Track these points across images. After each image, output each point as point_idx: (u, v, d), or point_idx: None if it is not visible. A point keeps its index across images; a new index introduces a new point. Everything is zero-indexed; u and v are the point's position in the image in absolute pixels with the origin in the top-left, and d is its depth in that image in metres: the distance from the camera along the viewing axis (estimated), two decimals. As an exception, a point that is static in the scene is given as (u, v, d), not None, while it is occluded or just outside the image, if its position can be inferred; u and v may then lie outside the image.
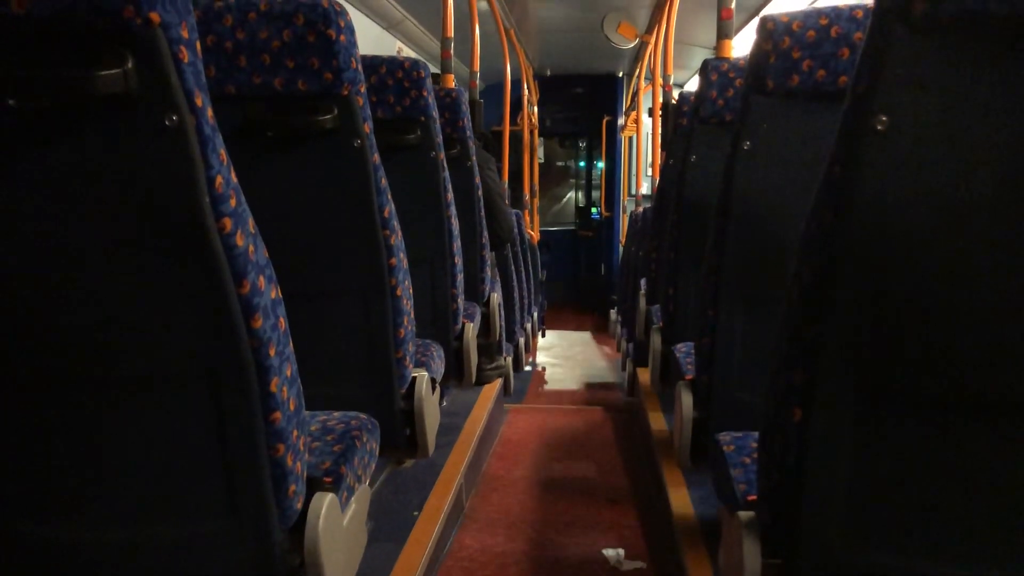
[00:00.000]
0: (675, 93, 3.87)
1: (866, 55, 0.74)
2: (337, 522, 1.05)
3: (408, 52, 5.41)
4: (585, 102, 8.63)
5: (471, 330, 2.24)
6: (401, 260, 1.48)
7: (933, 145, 0.74)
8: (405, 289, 1.50)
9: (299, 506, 0.99)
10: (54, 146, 0.78)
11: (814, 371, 0.84)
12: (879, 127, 0.74)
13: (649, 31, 5.78)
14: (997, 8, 0.69)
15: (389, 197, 1.42)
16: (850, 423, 0.85)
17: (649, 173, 7.24)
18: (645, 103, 6.48)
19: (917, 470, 0.86)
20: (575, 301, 8.87)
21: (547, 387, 4.93)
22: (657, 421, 2.62)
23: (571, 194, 9.38)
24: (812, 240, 0.82)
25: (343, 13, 1.26)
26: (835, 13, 1.27)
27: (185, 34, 0.77)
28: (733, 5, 2.42)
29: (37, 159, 0.79)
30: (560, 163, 9.31)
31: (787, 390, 0.87)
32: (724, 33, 2.42)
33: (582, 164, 9.21)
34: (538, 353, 6.05)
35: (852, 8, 1.27)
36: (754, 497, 1.04)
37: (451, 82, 3.13)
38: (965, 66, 0.71)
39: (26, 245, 0.82)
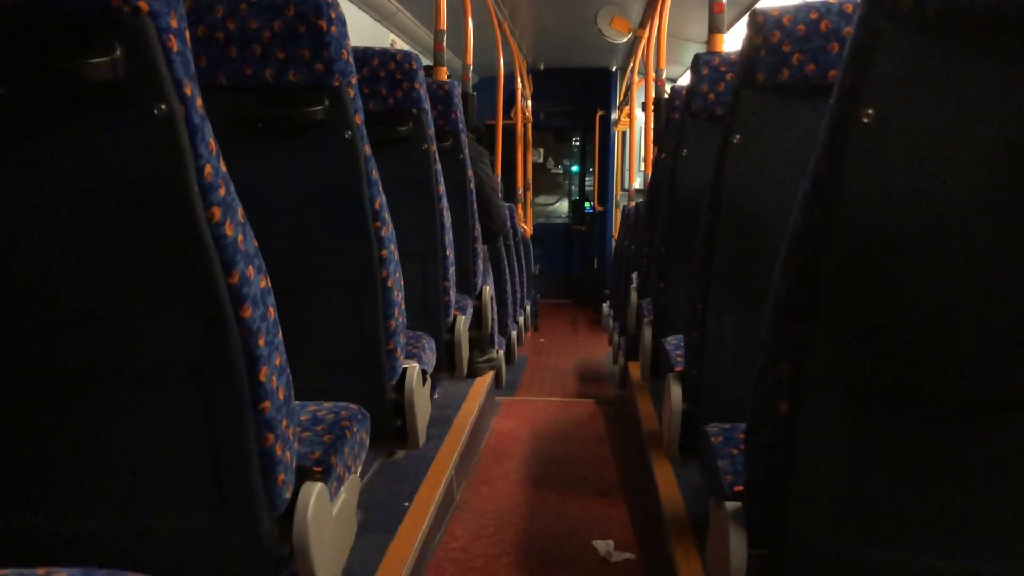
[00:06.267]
0: (668, 87, 3.88)
1: (853, 50, 0.74)
2: (326, 511, 1.06)
3: (401, 44, 5.40)
4: (579, 96, 8.62)
5: (463, 322, 2.24)
6: (392, 252, 1.48)
7: (920, 140, 0.74)
8: (396, 281, 1.50)
9: (288, 495, 0.99)
10: (42, 135, 0.78)
11: (801, 365, 0.85)
12: (866, 121, 0.74)
13: (642, 25, 5.78)
14: (983, 4, 0.69)
15: (380, 189, 1.42)
16: (836, 416, 0.85)
17: (642, 168, 7.26)
18: (638, 97, 6.48)
19: (901, 463, 0.87)
20: (568, 295, 8.88)
21: (539, 380, 4.94)
22: (647, 414, 2.63)
23: (564, 187, 9.37)
24: (800, 234, 0.82)
25: (334, 4, 1.26)
26: (825, 7, 1.28)
27: (174, 23, 0.77)
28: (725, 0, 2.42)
29: (24, 148, 0.78)
30: (551, 163, 9.20)
31: (774, 383, 0.88)
32: (716, 27, 2.42)
33: (574, 169, 9.18)
34: (529, 345, 6.06)
35: (842, 3, 1.27)
36: (741, 488, 1.05)
37: (444, 75, 3.12)
38: (952, 61, 0.72)
39: (11, 235, 0.82)
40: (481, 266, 2.63)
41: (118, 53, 0.74)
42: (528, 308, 5.50)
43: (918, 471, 0.87)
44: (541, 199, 9.02)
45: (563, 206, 9.24)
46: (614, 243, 6.82)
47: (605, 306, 6.62)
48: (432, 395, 1.88)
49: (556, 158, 9.23)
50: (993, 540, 0.88)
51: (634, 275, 3.25)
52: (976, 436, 0.85)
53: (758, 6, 1.31)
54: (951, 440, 0.86)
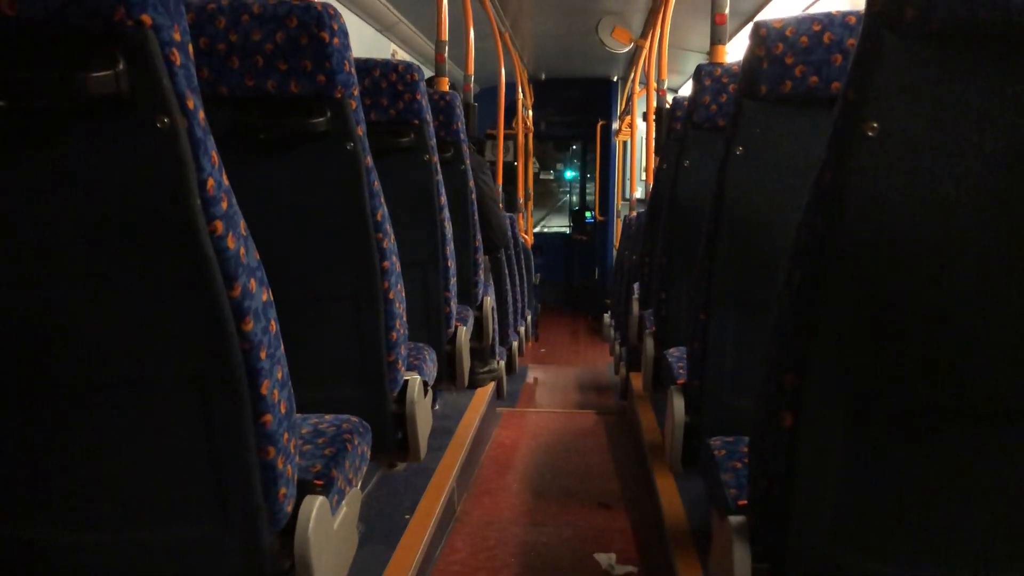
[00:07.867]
0: (669, 97, 3.89)
1: (857, 62, 0.74)
2: (327, 525, 1.05)
3: (403, 55, 5.42)
4: (580, 106, 8.64)
5: (464, 333, 2.24)
6: (394, 263, 1.48)
7: (924, 151, 0.74)
8: (398, 292, 1.50)
9: (289, 509, 0.98)
10: (45, 148, 0.78)
11: (804, 377, 0.84)
12: (870, 133, 0.74)
13: (643, 36, 5.79)
14: (987, 15, 0.69)
15: (382, 200, 1.42)
16: (840, 429, 0.85)
17: (643, 177, 7.26)
18: (639, 107, 6.50)
19: (906, 476, 0.87)
20: (568, 305, 8.88)
21: (540, 391, 4.93)
22: (649, 425, 2.63)
23: (565, 198, 9.37)
24: (803, 245, 0.82)
25: (336, 15, 1.26)
26: (828, 19, 1.28)
27: (177, 36, 0.77)
28: (727, 10, 2.43)
29: (28, 161, 0.78)
30: (549, 173, 9.01)
31: (777, 395, 0.87)
32: (718, 38, 2.43)
33: (571, 176, 9.16)
34: (530, 356, 6.05)
35: (845, 14, 1.27)
36: (744, 502, 1.04)
37: (445, 85, 3.13)
38: (956, 73, 0.72)
39: (14, 246, 0.81)
40: (482, 276, 2.63)
41: (121, 67, 0.74)
42: (529, 318, 5.49)
43: (923, 483, 0.86)
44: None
45: (557, 219, 9.19)
46: (615, 253, 6.82)
47: (606, 316, 6.62)
48: (433, 407, 1.87)
49: (545, 162, 9.10)
50: (999, 552, 0.88)
51: (635, 285, 3.25)
52: (981, 447, 0.85)
53: (760, 17, 1.31)
54: (956, 452, 0.85)
